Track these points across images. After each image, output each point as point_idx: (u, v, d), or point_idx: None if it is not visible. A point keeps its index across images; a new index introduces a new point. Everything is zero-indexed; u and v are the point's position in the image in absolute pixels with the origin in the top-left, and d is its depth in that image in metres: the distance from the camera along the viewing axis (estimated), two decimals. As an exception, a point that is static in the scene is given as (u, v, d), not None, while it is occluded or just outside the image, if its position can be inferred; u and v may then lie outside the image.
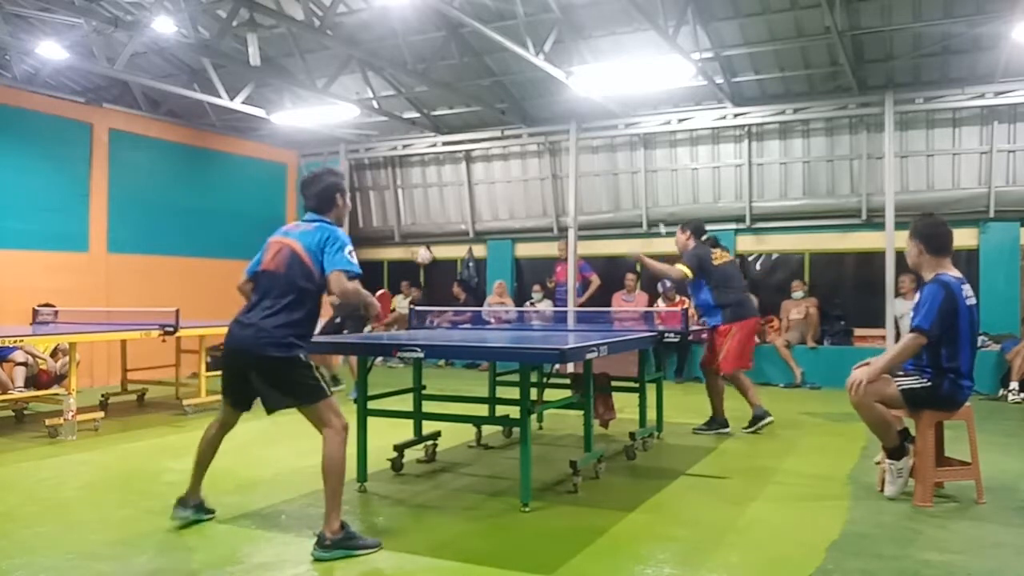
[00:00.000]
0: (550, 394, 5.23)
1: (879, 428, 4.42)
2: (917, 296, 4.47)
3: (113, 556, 3.53)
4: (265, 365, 3.65)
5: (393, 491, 4.68)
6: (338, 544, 3.52)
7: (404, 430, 5.39)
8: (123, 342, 8.10)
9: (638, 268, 10.70)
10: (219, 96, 10.11)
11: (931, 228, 4.46)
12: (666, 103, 10.92)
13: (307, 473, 5.12)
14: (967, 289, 4.37)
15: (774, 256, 11.21)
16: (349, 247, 3.74)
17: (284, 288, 3.69)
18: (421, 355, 4.40)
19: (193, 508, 3.94)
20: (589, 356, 4.30)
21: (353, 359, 7.11)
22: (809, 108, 10.39)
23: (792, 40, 9.30)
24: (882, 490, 4.53)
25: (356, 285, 3.73)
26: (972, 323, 4.34)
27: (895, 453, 4.42)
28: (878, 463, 4.64)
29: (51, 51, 8.71)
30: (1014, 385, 8.46)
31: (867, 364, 4.43)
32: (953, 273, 4.39)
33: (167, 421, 7.24)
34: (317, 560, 3.47)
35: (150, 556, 3.53)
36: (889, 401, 4.37)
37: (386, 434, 5.20)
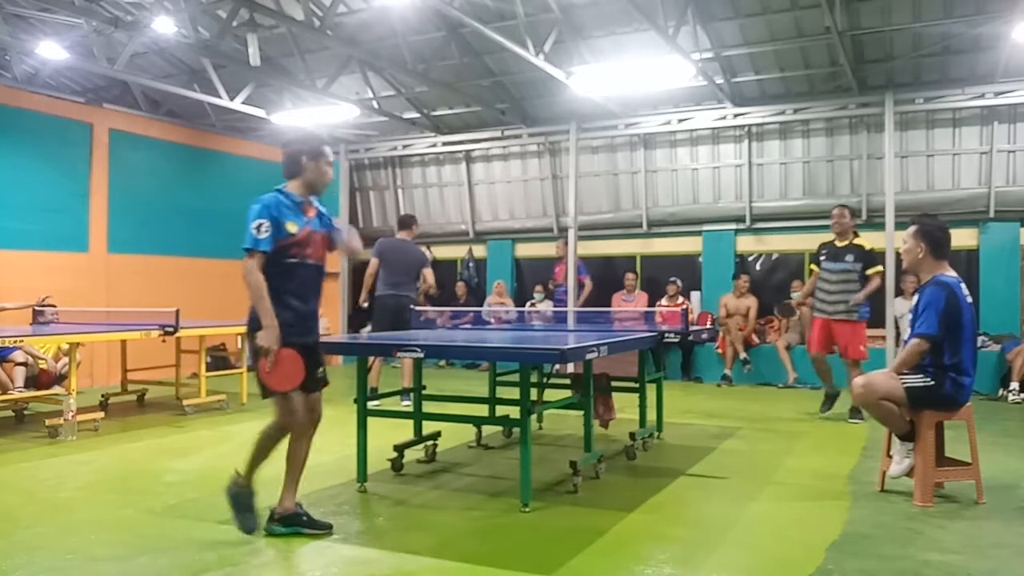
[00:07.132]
0: (550, 394, 5.23)
1: (887, 419, 4.44)
2: (916, 297, 4.48)
3: (113, 556, 3.53)
4: None
5: (393, 491, 4.68)
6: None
7: (404, 430, 5.40)
8: (123, 342, 8.08)
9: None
10: (219, 96, 10.11)
11: (937, 231, 4.49)
12: (666, 103, 10.92)
13: (307, 473, 5.12)
14: (964, 288, 4.42)
15: (774, 256, 11.20)
16: (255, 221, 3.66)
17: None
18: (421, 355, 4.39)
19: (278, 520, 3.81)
20: (589, 356, 4.30)
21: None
22: (809, 108, 10.39)
23: (792, 40, 9.30)
24: (882, 489, 4.54)
25: (250, 263, 3.62)
26: (973, 320, 4.40)
27: (907, 436, 4.43)
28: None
29: (51, 51, 8.71)
30: (1014, 385, 8.45)
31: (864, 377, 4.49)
32: (951, 274, 4.42)
33: (167, 421, 7.22)
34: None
35: (150, 556, 3.53)
36: (894, 400, 4.38)
37: (386, 434, 5.20)
